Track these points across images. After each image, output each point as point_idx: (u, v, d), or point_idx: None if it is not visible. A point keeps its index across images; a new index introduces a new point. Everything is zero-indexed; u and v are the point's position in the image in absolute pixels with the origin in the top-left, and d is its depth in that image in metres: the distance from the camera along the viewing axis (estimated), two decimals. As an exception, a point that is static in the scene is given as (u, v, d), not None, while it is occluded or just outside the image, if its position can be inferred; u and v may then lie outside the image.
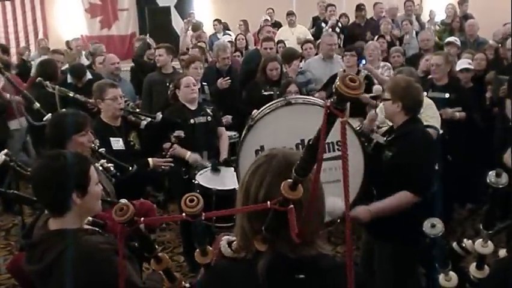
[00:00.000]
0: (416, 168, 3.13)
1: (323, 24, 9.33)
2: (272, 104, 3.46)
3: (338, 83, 1.07)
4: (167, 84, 5.90)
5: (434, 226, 2.30)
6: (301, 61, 6.61)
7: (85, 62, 8.30)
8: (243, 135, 3.43)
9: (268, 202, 1.35)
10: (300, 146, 3.18)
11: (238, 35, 9.58)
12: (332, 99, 1.11)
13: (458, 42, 7.00)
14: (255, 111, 3.61)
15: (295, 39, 8.84)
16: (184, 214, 1.50)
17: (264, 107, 3.48)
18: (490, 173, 2.10)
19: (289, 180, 1.27)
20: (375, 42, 7.16)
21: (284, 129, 3.24)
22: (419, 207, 3.11)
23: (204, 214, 1.51)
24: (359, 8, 9.71)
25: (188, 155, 4.54)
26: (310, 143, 1.21)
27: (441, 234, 2.28)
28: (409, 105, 3.26)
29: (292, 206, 1.31)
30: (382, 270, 3.38)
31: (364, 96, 4.76)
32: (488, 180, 2.09)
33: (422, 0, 10.08)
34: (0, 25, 12.65)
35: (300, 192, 1.28)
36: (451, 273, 2.27)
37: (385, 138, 3.34)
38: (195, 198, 1.49)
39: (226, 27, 10.86)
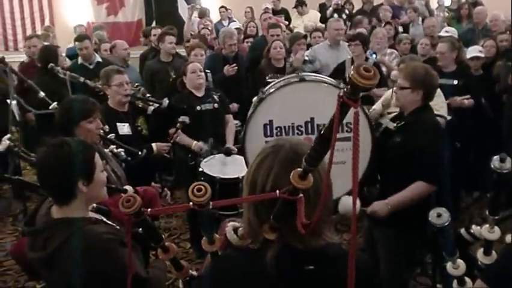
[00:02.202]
0: (429, 157, 3.10)
1: (329, 10, 9.25)
2: (285, 79, 3.43)
3: (352, 72, 1.05)
4: (169, 71, 5.91)
5: (440, 216, 2.29)
6: (307, 49, 6.57)
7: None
8: (252, 107, 3.41)
9: (278, 191, 1.33)
10: (309, 124, 3.17)
11: (249, 22, 9.51)
12: (345, 89, 1.09)
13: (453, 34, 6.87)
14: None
15: (304, 27, 8.79)
16: (191, 203, 1.50)
17: (276, 81, 3.45)
18: (494, 158, 2.08)
19: (299, 169, 1.25)
20: (383, 29, 7.10)
21: (295, 106, 3.22)
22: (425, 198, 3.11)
23: (211, 203, 1.50)
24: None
25: (194, 144, 4.54)
26: (322, 132, 1.19)
27: (447, 224, 2.27)
28: (429, 93, 3.24)
29: (301, 195, 1.30)
30: (383, 256, 3.38)
31: (375, 93, 4.72)
32: (492, 166, 2.08)
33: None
34: (7, 12, 12.63)
35: (310, 181, 1.26)
36: (459, 261, 2.26)
37: (395, 124, 3.30)
38: (202, 187, 1.48)
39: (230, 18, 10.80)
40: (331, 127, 1.15)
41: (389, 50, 6.49)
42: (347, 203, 2.76)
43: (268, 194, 1.39)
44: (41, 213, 2.18)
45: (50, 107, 3.92)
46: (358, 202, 2.93)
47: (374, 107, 3.73)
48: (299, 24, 8.78)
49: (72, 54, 7.10)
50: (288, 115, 3.28)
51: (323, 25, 8.91)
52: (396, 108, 3.51)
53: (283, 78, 3.51)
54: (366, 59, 5.81)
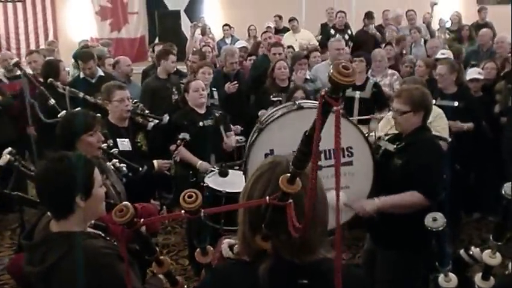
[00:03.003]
0: (426, 171, 3.12)
1: (332, 31, 9.32)
2: (283, 108, 3.44)
3: (332, 70, 1.09)
4: (170, 88, 5.93)
5: (435, 220, 2.30)
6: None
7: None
8: (252, 137, 3.41)
9: (267, 197, 1.34)
10: None
11: (251, 39, 9.56)
12: (326, 89, 1.12)
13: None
14: (262, 111, 3.56)
15: (298, 45, 8.84)
16: (183, 211, 1.50)
17: (274, 109, 3.46)
18: (506, 184, 2.06)
19: (287, 174, 1.27)
20: (382, 50, 7.14)
21: (294, 134, 3.19)
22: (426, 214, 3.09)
23: (202, 211, 1.51)
24: (369, 15, 9.70)
25: (199, 164, 4.52)
26: (307, 133, 1.22)
27: (442, 229, 2.27)
28: (428, 112, 3.30)
29: (291, 200, 1.31)
30: (384, 277, 3.35)
31: (375, 117, 4.74)
32: (503, 192, 2.06)
33: (432, 9, 10.03)
34: (11, 26, 12.73)
35: (298, 185, 1.27)
36: (451, 274, 2.26)
37: (395, 146, 3.32)
38: (193, 194, 1.49)
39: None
40: (314, 127, 1.19)
41: (389, 71, 6.51)
42: (330, 197, 2.73)
43: (258, 200, 1.40)
44: (39, 227, 2.18)
45: (59, 115, 3.94)
46: (344, 195, 2.91)
47: (372, 130, 3.75)
48: (293, 42, 8.82)
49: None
50: (289, 143, 3.21)
51: (316, 44, 9.01)
52: (392, 129, 3.53)
53: (281, 106, 3.51)
54: (367, 79, 5.85)
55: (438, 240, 2.29)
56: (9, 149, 3.05)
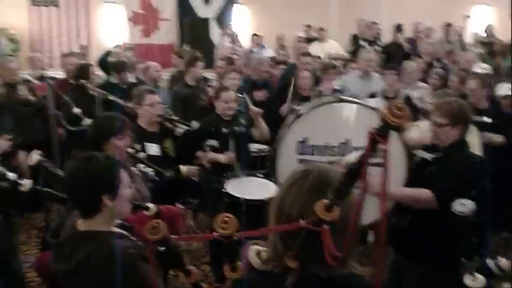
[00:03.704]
0: (450, 178, 3.06)
1: (363, 42, 9.27)
2: (324, 99, 3.41)
3: (385, 110, 1.08)
4: (199, 94, 5.97)
5: (464, 205, 2.24)
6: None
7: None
8: (288, 123, 3.39)
9: (301, 221, 1.32)
10: (344, 146, 3.12)
11: (279, 49, 9.58)
12: (376, 126, 1.11)
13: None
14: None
15: (324, 54, 8.82)
16: (215, 234, 1.49)
17: (315, 100, 3.42)
18: None
19: (324, 200, 1.25)
20: (413, 62, 7.06)
21: (331, 126, 3.21)
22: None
23: (235, 235, 1.49)
24: (398, 27, 9.63)
25: (223, 157, 4.50)
26: (352, 167, 1.20)
27: (471, 213, 2.22)
28: (467, 126, 3.24)
29: (326, 227, 1.29)
30: None
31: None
32: None
33: (465, 22, 9.91)
34: (45, 30, 13.00)
35: (335, 214, 1.25)
36: (477, 274, 2.20)
37: (432, 155, 3.26)
38: (228, 219, 1.47)
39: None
40: (361, 162, 1.17)
41: (420, 84, 6.43)
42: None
43: (292, 225, 1.38)
44: (66, 226, 2.22)
45: (82, 123, 4.00)
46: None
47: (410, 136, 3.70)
48: (319, 52, 8.80)
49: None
50: (324, 134, 3.26)
51: (343, 54, 8.97)
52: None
53: (322, 98, 3.48)
54: (398, 91, 5.79)
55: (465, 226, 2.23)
56: (39, 151, 3.13)
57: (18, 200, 3.66)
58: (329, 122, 3.26)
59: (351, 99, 3.53)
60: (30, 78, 6.57)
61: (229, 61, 7.04)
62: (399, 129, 1.08)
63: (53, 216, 3.48)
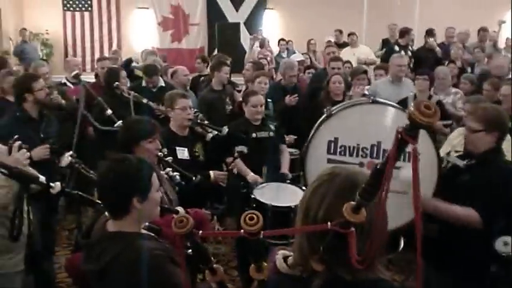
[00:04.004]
0: (490, 195, 2.96)
1: (396, 47, 9.16)
2: (356, 100, 3.36)
3: (412, 109, 1.05)
4: (224, 99, 5.97)
5: (506, 244, 2.18)
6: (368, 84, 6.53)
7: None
8: (318, 122, 3.36)
9: (329, 223, 1.31)
10: (375, 148, 3.09)
11: (305, 53, 9.59)
12: (404, 125, 1.08)
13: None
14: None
15: (356, 59, 8.76)
16: (242, 231, 1.49)
17: (347, 100, 3.38)
18: None
19: (352, 202, 1.24)
20: (445, 68, 6.95)
21: (363, 127, 3.16)
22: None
23: (262, 233, 1.49)
24: (430, 32, 9.50)
25: (250, 176, 4.51)
26: (378, 167, 1.18)
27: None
28: (504, 134, 3.11)
29: (353, 229, 1.28)
30: None
31: (438, 123, 4.60)
32: None
33: (500, 27, 9.73)
34: (78, 34, 13.26)
35: (363, 216, 1.24)
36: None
37: (464, 162, 3.18)
38: (254, 216, 1.47)
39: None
40: (387, 162, 1.15)
41: (453, 89, 6.32)
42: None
43: (319, 226, 1.37)
44: (97, 227, 2.24)
45: (115, 125, 4.06)
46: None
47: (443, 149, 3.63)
48: (350, 57, 8.74)
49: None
50: (355, 135, 3.22)
51: (375, 59, 8.90)
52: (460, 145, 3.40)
53: (353, 99, 3.43)
54: (430, 96, 5.70)
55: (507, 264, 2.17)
56: (71, 152, 3.18)
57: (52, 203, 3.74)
58: (360, 123, 3.21)
59: (383, 100, 3.47)
60: (66, 81, 6.73)
61: (257, 66, 7.04)
62: (428, 128, 1.06)
63: (85, 218, 3.51)
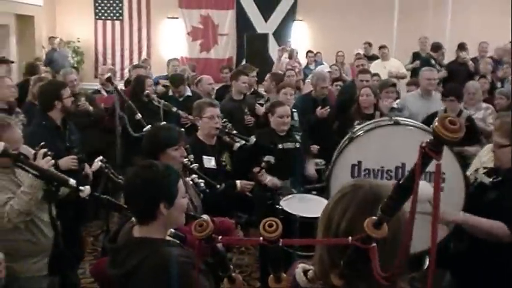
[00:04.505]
0: None
1: (433, 61, 9.05)
2: (378, 121, 3.34)
3: (437, 123, 1.02)
4: (243, 109, 5.96)
5: None
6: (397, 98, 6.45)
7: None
8: (341, 145, 3.33)
9: (350, 238, 1.29)
10: (400, 170, 3.05)
11: (332, 65, 9.56)
12: (428, 140, 1.06)
13: None
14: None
15: (387, 73, 8.68)
16: (261, 238, 1.47)
17: (368, 122, 3.36)
18: None
19: (373, 217, 1.22)
20: (476, 83, 6.81)
21: (386, 149, 3.13)
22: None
23: (281, 240, 1.47)
24: (462, 46, 9.37)
25: (269, 179, 4.50)
26: (401, 182, 1.16)
27: None
28: None
29: (374, 244, 1.25)
30: None
31: (467, 150, 4.52)
32: None
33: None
34: (109, 43, 13.47)
35: (384, 231, 1.22)
36: None
37: (491, 180, 3.10)
38: (274, 223, 1.46)
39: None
40: (410, 177, 1.12)
41: (484, 105, 6.19)
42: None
43: (340, 239, 1.35)
44: (123, 232, 2.26)
45: (144, 130, 4.10)
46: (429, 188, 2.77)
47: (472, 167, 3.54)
48: (381, 70, 8.66)
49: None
50: (379, 158, 3.18)
51: (405, 72, 8.80)
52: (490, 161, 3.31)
53: (375, 120, 3.39)
54: (460, 112, 5.59)
55: None
56: (101, 157, 3.21)
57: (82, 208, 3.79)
58: (383, 145, 3.17)
59: (407, 121, 3.41)
60: (101, 89, 6.84)
61: (275, 77, 6.98)
62: (452, 143, 1.03)
63: (112, 224, 3.55)
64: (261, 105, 6.20)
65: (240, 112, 6.05)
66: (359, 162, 3.11)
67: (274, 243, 1.45)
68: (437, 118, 1.04)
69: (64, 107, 4.32)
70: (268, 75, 7.08)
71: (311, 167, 5.11)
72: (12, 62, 8.37)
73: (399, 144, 3.12)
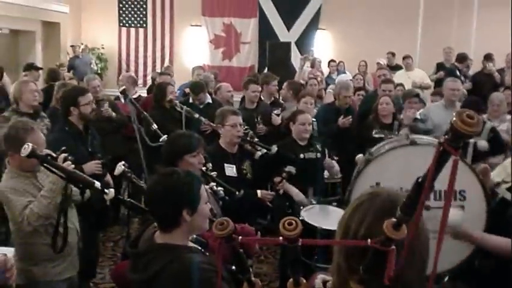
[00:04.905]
0: None
1: (457, 72, 8.94)
2: (394, 141, 3.31)
3: (455, 118, 1.03)
4: (255, 117, 5.95)
5: None
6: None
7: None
8: (359, 168, 3.30)
9: (369, 240, 1.27)
10: None
11: (356, 74, 9.50)
12: (446, 136, 1.06)
13: None
14: (359, 156, 3.47)
15: (411, 83, 8.61)
16: (281, 238, 1.46)
17: (385, 142, 3.34)
18: None
19: (393, 219, 1.21)
20: (501, 94, 6.69)
21: (404, 170, 3.09)
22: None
23: (300, 240, 1.46)
24: (488, 57, 9.24)
25: (296, 193, 4.48)
26: (420, 180, 1.16)
27: None
28: None
29: (394, 247, 1.23)
30: None
31: (491, 161, 4.45)
32: None
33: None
34: (132, 50, 13.62)
35: (404, 232, 1.20)
36: None
37: None
38: (293, 221, 1.45)
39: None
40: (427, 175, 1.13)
41: (508, 117, 6.09)
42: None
43: (359, 241, 1.34)
44: (145, 238, 2.26)
45: (161, 140, 4.12)
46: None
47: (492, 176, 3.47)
48: (405, 80, 8.58)
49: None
50: (398, 179, 3.13)
51: (430, 83, 8.72)
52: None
53: (393, 139, 3.35)
54: (483, 123, 5.50)
55: None
56: (123, 162, 3.27)
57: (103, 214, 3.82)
58: (402, 166, 3.13)
59: (425, 140, 3.36)
60: (121, 96, 6.90)
61: (292, 85, 6.89)
62: (470, 137, 1.04)
63: (132, 230, 3.57)
64: (277, 115, 6.15)
65: (252, 121, 6.04)
66: (377, 184, 3.08)
67: (293, 243, 1.45)
68: (455, 113, 1.05)
69: (80, 113, 4.32)
70: (285, 84, 7.03)
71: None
72: (41, 69, 8.49)
73: (418, 164, 3.05)
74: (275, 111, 6.20)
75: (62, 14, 12.35)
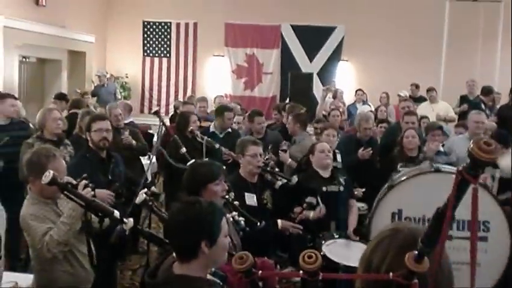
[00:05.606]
0: None
1: (482, 105, 8.83)
2: (418, 168, 3.26)
3: (472, 145, 1.03)
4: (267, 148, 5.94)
5: None
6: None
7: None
8: (381, 194, 3.25)
9: (391, 274, 1.26)
10: None
11: (379, 106, 9.46)
12: (465, 164, 1.05)
13: None
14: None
15: (435, 115, 8.53)
16: (301, 272, 1.44)
17: (409, 169, 3.28)
18: None
19: (414, 251, 1.20)
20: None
21: (427, 197, 3.05)
22: None
23: (321, 274, 1.45)
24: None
25: (312, 215, 4.39)
26: (440, 210, 1.15)
27: None
28: None
29: (416, 281, 1.21)
30: None
31: None
32: None
33: None
34: (155, 79, 13.79)
35: (426, 265, 1.19)
36: None
37: None
38: (313, 254, 1.44)
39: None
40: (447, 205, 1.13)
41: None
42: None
43: (381, 275, 1.32)
44: (163, 267, 2.22)
45: (188, 164, 4.14)
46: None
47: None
48: (429, 112, 8.51)
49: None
50: (420, 206, 3.10)
51: (454, 116, 8.65)
52: None
53: (416, 167, 3.30)
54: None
55: None
56: (146, 189, 3.22)
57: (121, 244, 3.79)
58: (424, 193, 3.09)
59: (448, 168, 3.30)
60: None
61: (298, 118, 6.58)
62: (489, 164, 1.03)
63: (151, 259, 3.53)
64: (284, 150, 6.00)
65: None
66: (399, 211, 3.03)
67: (314, 277, 1.42)
68: (472, 141, 1.05)
69: (91, 139, 4.34)
70: (290, 118, 6.65)
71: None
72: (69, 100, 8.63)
73: (441, 191, 3.00)
74: (283, 147, 6.05)
75: (88, 43, 12.61)
